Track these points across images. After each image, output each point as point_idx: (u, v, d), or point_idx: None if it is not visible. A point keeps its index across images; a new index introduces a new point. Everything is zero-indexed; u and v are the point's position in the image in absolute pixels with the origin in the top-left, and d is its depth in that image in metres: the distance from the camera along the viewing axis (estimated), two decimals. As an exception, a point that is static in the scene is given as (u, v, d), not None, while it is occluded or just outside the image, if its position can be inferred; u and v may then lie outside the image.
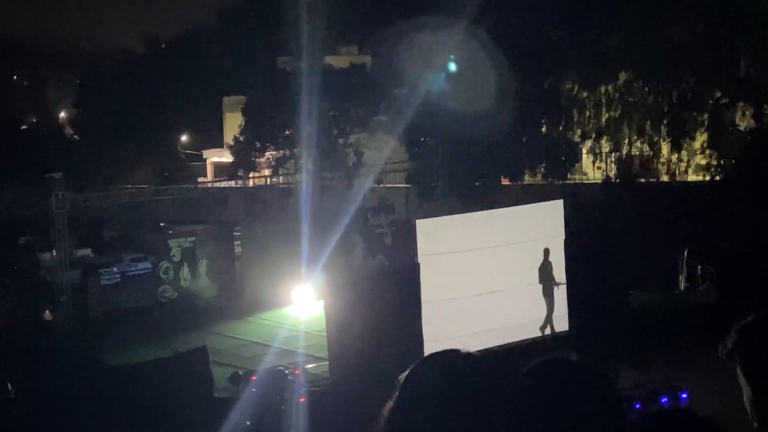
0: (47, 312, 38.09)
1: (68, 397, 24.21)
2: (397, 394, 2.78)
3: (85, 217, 45.32)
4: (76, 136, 78.66)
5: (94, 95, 73.84)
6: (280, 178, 48.48)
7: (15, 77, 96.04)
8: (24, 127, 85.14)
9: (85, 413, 23.26)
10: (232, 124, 61.46)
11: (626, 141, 47.48)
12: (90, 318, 38.30)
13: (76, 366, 29.10)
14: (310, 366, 30.30)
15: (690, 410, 2.99)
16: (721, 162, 45.17)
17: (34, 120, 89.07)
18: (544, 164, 47.56)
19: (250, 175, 52.06)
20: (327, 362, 29.21)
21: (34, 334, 35.16)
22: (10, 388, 26.55)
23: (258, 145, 54.20)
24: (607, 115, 47.41)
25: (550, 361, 2.91)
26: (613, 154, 48.22)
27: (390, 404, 2.79)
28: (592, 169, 49.95)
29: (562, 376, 2.85)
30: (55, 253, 38.54)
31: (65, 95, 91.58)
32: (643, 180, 46.02)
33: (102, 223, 53.59)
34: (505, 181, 48.23)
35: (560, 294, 30.49)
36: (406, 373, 2.82)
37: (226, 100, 69.17)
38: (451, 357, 2.86)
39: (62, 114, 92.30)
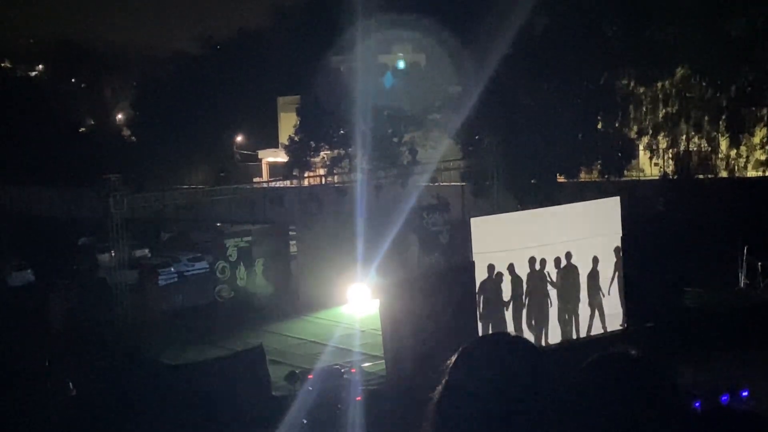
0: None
1: (127, 395, 24.47)
2: (446, 377, 2.76)
3: (143, 218, 45.76)
4: (133, 138, 79.50)
5: (151, 97, 74.58)
6: (335, 177, 48.55)
7: (73, 80, 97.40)
8: (82, 129, 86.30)
9: (144, 412, 23.50)
10: (287, 124, 61.77)
11: (684, 137, 46.93)
12: (148, 318, 38.65)
13: (134, 365, 29.41)
14: (366, 365, 30.33)
15: (752, 411, 2.93)
16: (782, 157, 44.55)
17: (92, 122, 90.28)
18: (600, 161, 47.16)
19: (305, 174, 52.24)
20: (383, 361, 29.21)
21: (94, 334, 35.56)
22: (71, 386, 26.91)
23: (313, 144, 54.43)
24: (664, 110, 46.88)
25: (609, 355, 2.87)
26: (671, 150, 47.67)
27: (439, 387, 2.77)
28: (649, 165, 49.44)
29: (621, 369, 2.81)
30: (113, 254, 38.92)
31: (122, 97, 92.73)
32: (701, 176, 45.45)
33: (159, 223, 54.05)
34: (561, 179, 47.88)
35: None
36: (455, 356, 2.80)
37: (280, 100, 69.50)
38: (501, 339, 2.84)
39: (120, 116, 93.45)
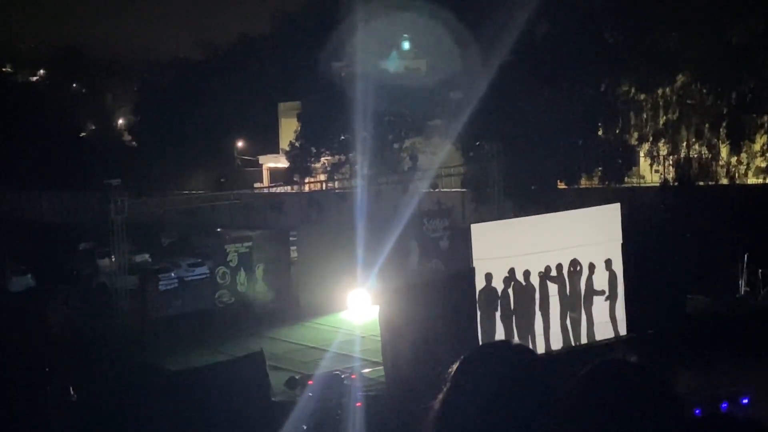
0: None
1: (127, 401, 24.45)
2: (448, 384, 2.77)
3: (144, 223, 45.75)
4: (134, 143, 79.57)
5: (152, 102, 74.61)
6: (336, 183, 48.60)
7: (74, 85, 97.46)
8: (83, 134, 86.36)
9: (144, 417, 23.48)
10: (288, 129, 61.82)
11: (684, 144, 46.96)
12: (148, 323, 38.65)
13: (134, 370, 29.39)
14: (366, 370, 30.28)
15: (752, 418, 2.92)
16: (782, 164, 44.59)
17: (94, 127, 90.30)
18: (600, 168, 47.19)
19: (306, 180, 52.30)
20: (382, 367, 29.17)
21: (94, 339, 35.56)
22: (72, 391, 26.90)
23: (313, 150, 54.48)
24: (664, 117, 46.91)
25: (608, 363, 2.88)
26: (671, 157, 47.70)
27: (441, 395, 2.77)
28: (649, 172, 49.45)
29: (620, 377, 2.81)
30: (113, 259, 38.92)
31: (124, 103, 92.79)
32: (701, 183, 45.46)
33: (160, 228, 54.08)
34: (562, 185, 47.89)
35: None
36: (457, 363, 2.80)
37: (281, 105, 69.54)
38: (503, 347, 2.84)
39: (121, 121, 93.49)
